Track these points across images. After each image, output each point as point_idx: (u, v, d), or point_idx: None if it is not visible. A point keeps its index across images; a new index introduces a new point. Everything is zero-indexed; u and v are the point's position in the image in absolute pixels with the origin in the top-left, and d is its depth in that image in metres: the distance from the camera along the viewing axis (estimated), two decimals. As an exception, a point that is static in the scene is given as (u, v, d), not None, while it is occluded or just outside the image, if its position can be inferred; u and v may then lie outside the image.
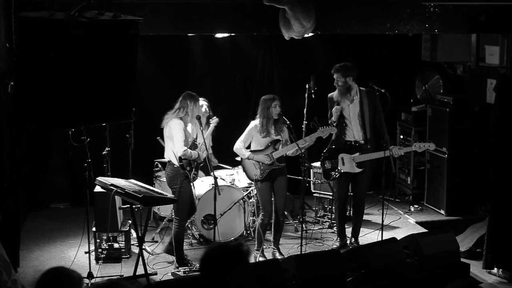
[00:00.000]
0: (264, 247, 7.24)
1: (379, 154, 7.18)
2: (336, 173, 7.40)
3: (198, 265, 6.82)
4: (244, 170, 7.26)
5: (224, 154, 8.46)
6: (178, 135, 6.76)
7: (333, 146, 7.44)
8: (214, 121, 7.56)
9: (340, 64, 7.33)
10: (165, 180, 7.91)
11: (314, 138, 7.09)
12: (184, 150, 6.74)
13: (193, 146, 6.97)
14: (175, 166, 6.82)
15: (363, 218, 8.42)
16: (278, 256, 7.15)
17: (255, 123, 7.15)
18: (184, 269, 6.88)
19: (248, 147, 7.22)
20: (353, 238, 7.59)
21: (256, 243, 7.24)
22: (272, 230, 7.27)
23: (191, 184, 6.92)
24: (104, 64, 4.41)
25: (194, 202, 7.08)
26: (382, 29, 6.83)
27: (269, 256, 7.20)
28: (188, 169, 6.84)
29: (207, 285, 3.12)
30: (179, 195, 6.77)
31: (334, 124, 7.28)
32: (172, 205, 7.61)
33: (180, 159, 6.80)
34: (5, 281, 4.00)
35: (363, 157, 7.26)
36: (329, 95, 7.51)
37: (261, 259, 7.09)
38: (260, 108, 7.08)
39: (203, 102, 7.86)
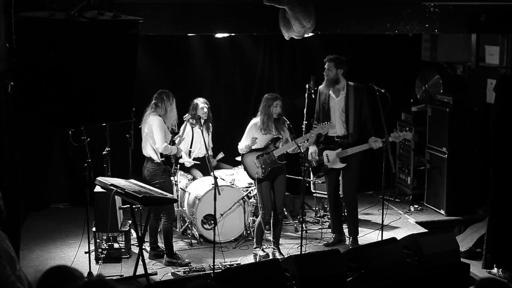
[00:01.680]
0: (264, 246, 7.25)
1: (360, 148, 7.29)
2: (323, 170, 7.53)
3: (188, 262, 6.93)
4: (245, 169, 7.28)
5: (224, 154, 8.46)
6: (157, 131, 6.96)
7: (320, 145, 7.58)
8: (219, 156, 7.72)
9: (335, 55, 7.43)
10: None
11: (314, 135, 7.13)
12: (165, 146, 6.95)
13: (172, 142, 7.14)
14: (155, 162, 7.02)
15: (363, 218, 8.46)
16: (278, 256, 7.15)
17: (254, 121, 7.18)
18: (184, 269, 6.88)
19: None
20: (351, 237, 7.59)
21: (255, 240, 7.25)
22: (271, 229, 7.29)
23: (172, 178, 7.20)
24: (104, 64, 4.40)
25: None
26: (382, 29, 6.85)
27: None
28: (168, 165, 7.04)
29: None
30: (162, 190, 6.83)
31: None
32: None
33: (161, 154, 6.91)
34: (9, 275, 4.00)
35: (346, 152, 7.34)
36: (319, 88, 7.62)
37: (261, 253, 7.10)
38: (262, 105, 7.12)
39: (203, 105, 7.89)
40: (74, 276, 3.28)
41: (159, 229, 7.37)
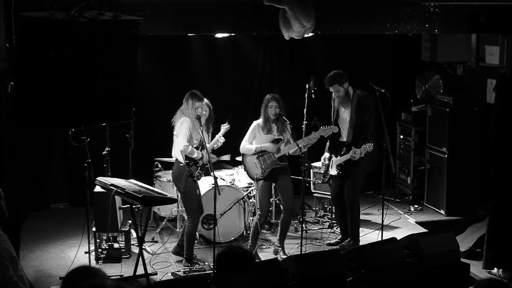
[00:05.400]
0: (264, 247, 7.25)
1: (343, 158, 7.31)
2: (326, 177, 7.61)
3: (206, 264, 6.91)
4: (246, 170, 7.30)
5: (224, 154, 8.46)
6: (182, 132, 6.79)
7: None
8: (225, 127, 7.59)
9: (331, 75, 7.29)
10: (165, 180, 7.94)
11: (316, 138, 7.14)
12: (185, 145, 6.75)
13: (201, 146, 6.94)
14: (180, 164, 6.86)
15: (363, 218, 8.46)
16: (282, 255, 7.17)
17: (257, 122, 7.21)
18: (184, 269, 6.88)
19: None
20: (351, 241, 7.57)
21: (250, 240, 7.25)
22: (279, 228, 7.30)
23: (196, 182, 6.95)
24: (104, 64, 4.41)
25: (201, 201, 7.08)
26: (382, 29, 6.84)
27: (269, 255, 7.20)
28: (192, 168, 6.85)
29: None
30: (185, 193, 6.79)
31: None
32: (172, 205, 7.65)
33: (186, 157, 6.82)
34: (11, 276, 4.01)
35: (337, 161, 7.38)
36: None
37: None
38: (262, 106, 7.14)
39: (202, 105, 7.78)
40: (98, 274, 3.29)
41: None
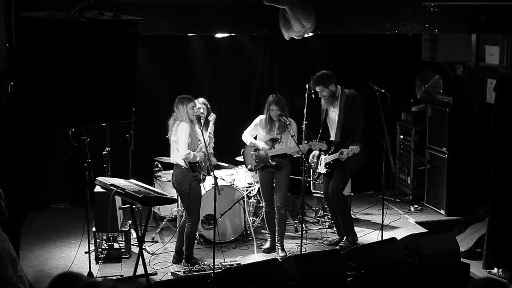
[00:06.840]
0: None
1: (332, 157, 7.34)
2: (315, 174, 7.81)
3: (206, 263, 6.94)
4: (244, 158, 7.56)
5: (224, 154, 8.47)
6: (182, 139, 6.77)
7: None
8: (211, 117, 7.61)
9: (318, 75, 7.33)
10: (165, 180, 7.94)
11: (306, 148, 7.25)
12: (187, 153, 6.74)
13: (198, 148, 6.95)
14: (183, 167, 6.84)
15: (363, 218, 8.47)
16: (280, 252, 7.18)
17: (261, 117, 7.34)
18: (184, 269, 6.88)
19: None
20: (347, 237, 7.58)
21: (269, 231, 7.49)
22: (275, 225, 7.38)
23: (201, 185, 7.01)
24: (104, 64, 4.40)
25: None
26: (382, 29, 6.84)
27: (268, 255, 7.21)
28: (197, 172, 6.86)
29: None
30: (190, 196, 6.79)
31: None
32: (172, 205, 7.65)
33: (189, 162, 6.82)
34: (11, 276, 4.01)
35: (326, 159, 7.41)
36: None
37: (266, 246, 7.36)
38: (265, 105, 7.26)
39: (200, 105, 7.78)
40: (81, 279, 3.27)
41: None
